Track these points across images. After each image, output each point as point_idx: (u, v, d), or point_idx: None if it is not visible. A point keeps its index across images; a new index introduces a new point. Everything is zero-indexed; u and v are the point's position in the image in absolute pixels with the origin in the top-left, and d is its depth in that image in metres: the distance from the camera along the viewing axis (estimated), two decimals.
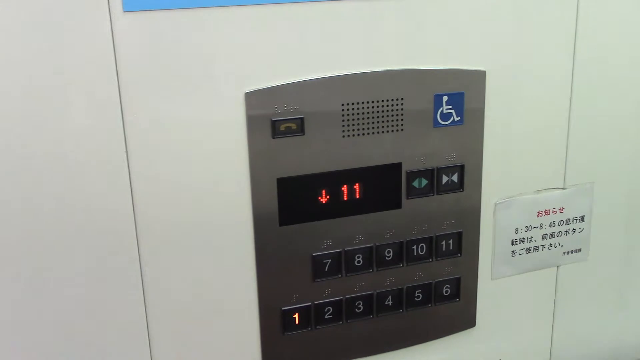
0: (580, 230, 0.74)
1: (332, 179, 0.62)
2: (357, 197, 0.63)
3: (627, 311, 0.81)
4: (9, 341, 0.58)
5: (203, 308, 0.62)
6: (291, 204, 0.61)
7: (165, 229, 0.59)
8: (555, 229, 0.73)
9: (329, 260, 0.64)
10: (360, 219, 0.64)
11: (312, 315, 0.65)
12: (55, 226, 0.56)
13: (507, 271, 0.72)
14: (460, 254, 0.69)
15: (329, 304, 0.65)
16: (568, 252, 0.74)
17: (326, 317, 0.66)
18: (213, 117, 0.57)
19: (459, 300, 0.70)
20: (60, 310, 0.58)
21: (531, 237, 0.72)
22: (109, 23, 0.52)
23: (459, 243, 0.68)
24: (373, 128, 0.62)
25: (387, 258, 0.66)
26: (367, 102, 0.61)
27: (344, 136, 0.61)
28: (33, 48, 0.51)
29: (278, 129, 0.59)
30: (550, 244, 0.73)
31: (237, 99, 0.57)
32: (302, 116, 0.59)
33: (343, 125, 0.61)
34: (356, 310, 0.66)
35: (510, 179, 0.69)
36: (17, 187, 0.54)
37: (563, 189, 0.72)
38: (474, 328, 0.72)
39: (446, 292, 0.69)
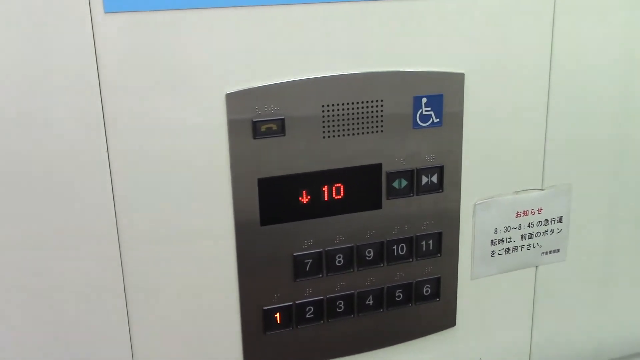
0: (558, 230, 0.75)
1: (313, 180, 0.63)
2: (338, 197, 0.64)
3: (605, 311, 0.82)
4: None
5: (184, 307, 0.62)
6: (272, 204, 0.62)
7: (146, 228, 0.59)
8: (534, 230, 0.74)
9: (310, 260, 0.65)
10: (340, 219, 0.65)
11: (294, 315, 0.66)
12: (34, 230, 0.56)
13: (487, 271, 0.73)
14: (440, 254, 0.70)
15: (310, 303, 0.66)
16: (547, 253, 0.75)
17: (307, 316, 0.66)
18: (194, 118, 0.58)
19: (439, 300, 0.71)
20: (39, 307, 0.58)
21: (510, 238, 0.73)
22: (90, 23, 0.53)
23: (438, 243, 0.69)
24: (353, 129, 0.63)
25: (367, 258, 0.67)
26: (347, 104, 0.62)
27: (324, 137, 0.62)
28: (12, 49, 0.51)
29: (259, 129, 0.59)
30: (529, 245, 0.74)
31: (218, 100, 0.58)
32: (282, 117, 0.60)
33: (323, 127, 0.62)
34: (337, 309, 0.67)
35: (489, 180, 0.70)
36: None
37: (541, 189, 0.73)
38: (454, 328, 0.73)
39: (426, 291, 0.70)
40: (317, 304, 0.66)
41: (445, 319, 0.73)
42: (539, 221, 0.74)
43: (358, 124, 0.63)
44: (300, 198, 0.63)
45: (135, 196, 0.58)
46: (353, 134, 0.63)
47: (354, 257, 0.66)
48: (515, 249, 0.74)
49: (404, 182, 0.66)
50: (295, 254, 0.64)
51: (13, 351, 0.58)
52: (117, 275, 0.59)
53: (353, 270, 0.67)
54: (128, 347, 0.61)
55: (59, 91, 0.53)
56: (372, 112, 0.63)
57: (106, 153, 0.56)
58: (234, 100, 0.58)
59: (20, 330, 0.58)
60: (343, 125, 0.62)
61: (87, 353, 0.60)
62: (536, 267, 0.76)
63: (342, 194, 0.64)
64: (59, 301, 0.58)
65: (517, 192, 0.72)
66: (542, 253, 0.75)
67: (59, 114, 0.54)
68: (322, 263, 0.65)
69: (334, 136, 0.62)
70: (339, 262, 0.66)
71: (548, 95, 0.70)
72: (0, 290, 0.56)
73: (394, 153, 0.65)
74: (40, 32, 0.52)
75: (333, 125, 0.62)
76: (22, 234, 0.56)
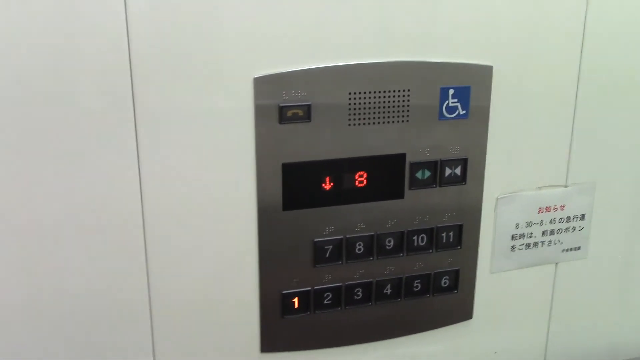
0: (580, 228, 0.75)
1: (337, 167, 0.63)
2: (361, 185, 0.64)
3: (624, 311, 0.81)
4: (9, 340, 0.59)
5: (205, 289, 0.63)
6: (295, 189, 0.62)
7: (170, 209, 0.60)
8: (556, 226, 0.73)
9: (330, 247, 0.65)
10: (362, 207, 0.65)
11: (312, 300, 0.66)
12: (60, 214, 0.57)
13: (506, 266, 0.73)
14: (460, 246, 0.70)
15: (328, 289, 0.66)
16: (567, 250, 0.75)
17: (325, 302, 0.67)
18: (221, 100, 0.58)
19: (457, 292, 0.71)
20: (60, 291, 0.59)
21: (531, 233, 0.73)
22: (122, 2, 0.53)
23: (459, 235, 0.69)
24: (379, 118, 0.63)
25: (387, 247, 0.67)
26: (374, 92, 0.62)
27: (349, 125, 0.62)
28: (43, 29, 0.52)
29: (285, 114, 0.60)
30: (550, 241, 0.74)
31: (245, 84, 0.58)
32: (309, 103, 0.60)
33: (349, 114, 0.62)
34: (355, 297, 0.67)
35: (513, 175, 0.70)
36: (21, 181, 0.55)
37: (565, 186, 0.72)
38: (470, 320, 0.73)
39: (444, 283, 0.70)
40: (335, 291, 0.67)
41: (462, 312, 0.73)
42: (561, 218, 0.73)
43: (384, 113, 0.63)
44: (323, 184, 0.63)
45: (160, 178, 0.58)
46: (378, 123, 0.63)
47: (374, 246, 0.66)
48: (535, 244, 0.73)
49: (427, 173, 0.66)
50: (315, 239, 0.64)
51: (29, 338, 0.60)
52: (140, 257, 0.60)
53: (372, 259, 0.67)
54: (148, 324, 0.62)
55: (89, 68, 0.54)
56: (399, 101, 0.63)
57: (134, 131, 0.56)
58: (262, 84, 0.58)
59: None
60: (369, 113, 0.62)
61: (107, 328, 0.62)
62: (556, 263, 0.75)
63: (364, 182, 0.64)
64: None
65: (540, 188, 0.72)
66: (563, 250, 0.75)
67: (89, 92, 0.55)
68: (342, 250, 0.65)
69: (359, 124, 0.62)
70: (359, 249, 0.66)
71: (576, 92, 0.69)
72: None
73: (418, 143, 0.65)
74: (72, 9, 0.52)
75: (359, 113, 0.62)
76: (38, 232, 0.57)
